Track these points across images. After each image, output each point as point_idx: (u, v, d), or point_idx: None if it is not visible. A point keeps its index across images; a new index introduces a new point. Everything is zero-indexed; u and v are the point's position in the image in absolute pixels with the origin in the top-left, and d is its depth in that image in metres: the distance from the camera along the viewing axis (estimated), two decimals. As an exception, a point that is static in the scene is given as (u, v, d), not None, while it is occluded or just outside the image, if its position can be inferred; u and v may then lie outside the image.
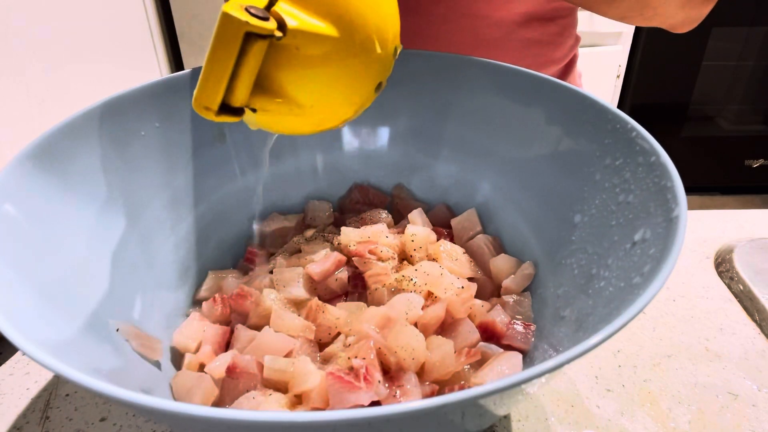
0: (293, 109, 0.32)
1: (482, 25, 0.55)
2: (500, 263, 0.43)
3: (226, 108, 0.29)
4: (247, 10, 0.27)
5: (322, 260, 0.42)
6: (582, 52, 0.70)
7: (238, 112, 0.30)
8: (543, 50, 0.60)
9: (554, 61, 0.63)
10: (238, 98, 0.30)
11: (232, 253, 0.48)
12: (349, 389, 0.31)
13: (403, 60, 0.46)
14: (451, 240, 0.46)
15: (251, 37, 0.27)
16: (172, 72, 1.38)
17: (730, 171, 1.76)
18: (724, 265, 0.51)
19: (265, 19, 0.27)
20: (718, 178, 1.78)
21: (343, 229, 0.45)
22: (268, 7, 0.28)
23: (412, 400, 0.30)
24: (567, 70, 0.65)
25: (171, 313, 0.42)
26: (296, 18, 0.29)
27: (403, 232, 0.45)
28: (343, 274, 0.42)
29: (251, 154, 0.48)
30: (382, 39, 0.32)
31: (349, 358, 0.34)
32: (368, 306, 0.39)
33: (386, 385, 0.33)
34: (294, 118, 0.33)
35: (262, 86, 0.31)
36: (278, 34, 0.28)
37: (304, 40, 0.29)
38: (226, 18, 0.27)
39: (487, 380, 0.34)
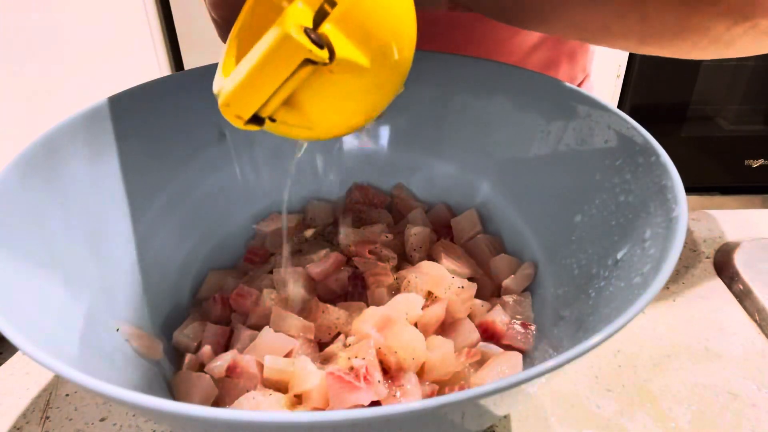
0: (306, 123, 0.32)
1: (498, 51, 0.55)
2: (500, 263, 0.43)
3: (253, 118, 0.30)
4: (306, 33, 0.27)
5: (322, 260, 0.42)
6: (582, 52, 0.70)
7: (261, 121, 0.30)
8: (561, 70, 0.59)
9: (573, 79, 0.62)
10: (268, 110, 0.30)
11: (232, 253, 0.48)
12: (349, 389, 0.31)
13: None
14: (451, 240, 0.46)
15: (306, 62, 0.27)
16: (172, 72, 1.38)
17: (730, 171, 1.76)
18: (724, 265, 0.51)
19: (320, 45, 0.27)
20: (718, 178, 1.78)
21: (343, 229, 0.45)
22: (316, 26, 0.28)
23: (412, 400, 0.30)
24: (581, 86, 0.65)
25: (171, 313, 0.42)
26: (341, 44, 0.28)
27: (403, 232, 0.45)
28: (343, 274, 0.42)
29: (251, 154, 0.48)
30: (405, 63, 0.32)
31: (349, 358, 0.34)
32: (368, 306, 0.39)
33: (386, 385, 0.33)
34: (305, 130, 0.33)
35: (288, 100, 0.31)
36: (327, 61, 0.28)
37: (341, 67, 0.29)
38: (288, 40, 0.27)
39: (487, 380, 0.34)
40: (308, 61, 0.27)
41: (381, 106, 0.34)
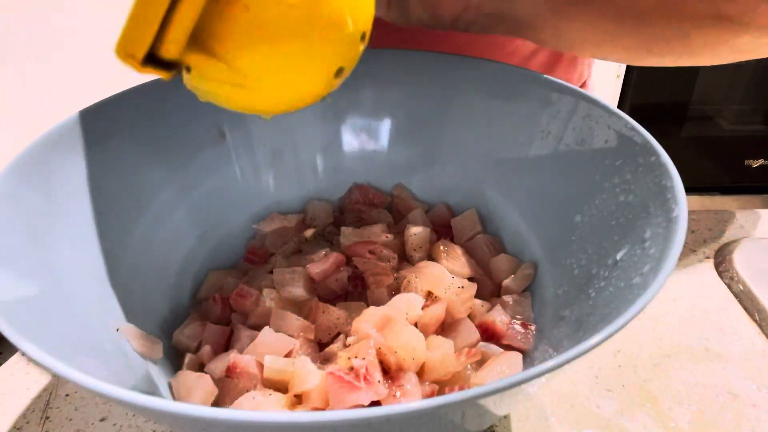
0: (235, 78, 0.28)
1: (498, 55, 0.55)
2: (500, 263, 0.43)
3: (154, 59, 0.26)
4: None
5: (322, 260, 0.42)
6: (582, 52, 0.70)
7: (169, 66, 0.26)
8: (560, 74, 0.59)
9: (575, 81, 0.62)
10: (169, 49, 0.25)
11: (232, 253, 0.48)
12: (349, 389, 0.31)
13: (404, 59, 0.46)
14: (451, 240, 0.46)
15: None
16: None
17: (730, 171, 1.76)
18: (724, 265, 0.51)
19: None
20: (718, 178, 1.78)
21: (343, 229, 0.45)
22: None
23: (412, 400, 0.30)
24: (584, 86, 0.65)
25: (171, 313, 0.42)
26: None
27: (403, 232, 0.45)
28: (343, 274, 0.42)
29: (251, 154, 0.48)
30: (354, 15, 0.28)
31: (349, 358, 0.34)
32: (368, 306, 0.39)
33: (386, 385, 0.33)
34: (239, 91, 0.29)
35: (200, 42, 0.27)
36: None
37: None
38: None
39: (487, 380, 0.34)
40: None
41: (327, 76, 0.30)
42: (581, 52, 0.43)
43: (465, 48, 0.54)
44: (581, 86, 0.64)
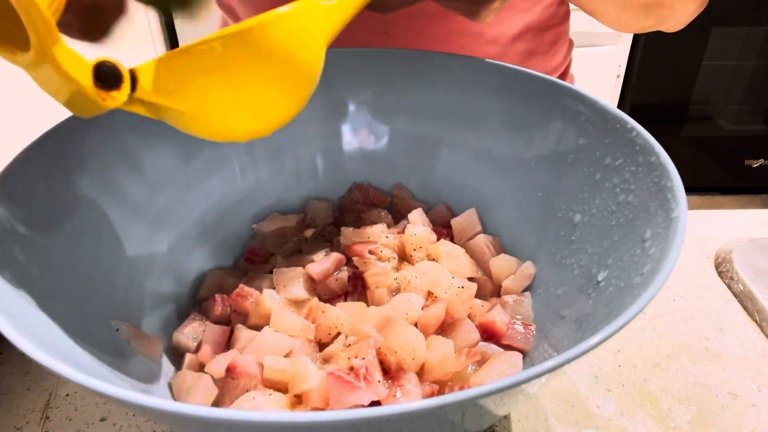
0: (180, 106, 0.29)
1: (479, 43, 0.55)
2: (500, 263, 0.43)
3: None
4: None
5: (322, 260, 0.42)
6: (582, 52, 0.70)
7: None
8: (541, 60, 0.60)
9: (553, 70, 0.63)
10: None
11: (232, 253, 0.48)
12: (349, 389, 0.31)
13: (404, 59, 0.47)
14: (451, 240, 0.46)
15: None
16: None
17: (730, 171, 1.76)
18: (724, 265, 0.51)
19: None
20: (718, 178, 1.78)
21: (343, 229, 0.45)
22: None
23: (412, 400, 0.30)
24: (563, 77, 0.66)
25: (171, 313, 0.42)
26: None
27: (403, 232, 0.45)
28: (343, 274, 0.42)
29: (251, 154, 0.48)
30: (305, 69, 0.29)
31: (349, 358, 0.34)
32: (368, 306, 0.39)
33: (386, 385, 0.33)
34: (181, 116, 0.30)
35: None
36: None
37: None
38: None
39: (487, 380, 0.34)
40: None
41: (271, 116, 0.30)
42: None
43: (446, 37, 0.54)
44: (561, 74, 0.65)
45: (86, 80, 0.26)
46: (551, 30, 0.60)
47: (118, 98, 0.27)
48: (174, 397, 0.35)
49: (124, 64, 0.27)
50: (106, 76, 0.26)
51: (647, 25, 0.49)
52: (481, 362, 0.36)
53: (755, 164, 1.74)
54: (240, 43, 0.27)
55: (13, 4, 0.22)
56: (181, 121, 0.30)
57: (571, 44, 0.65)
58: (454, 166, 0.48)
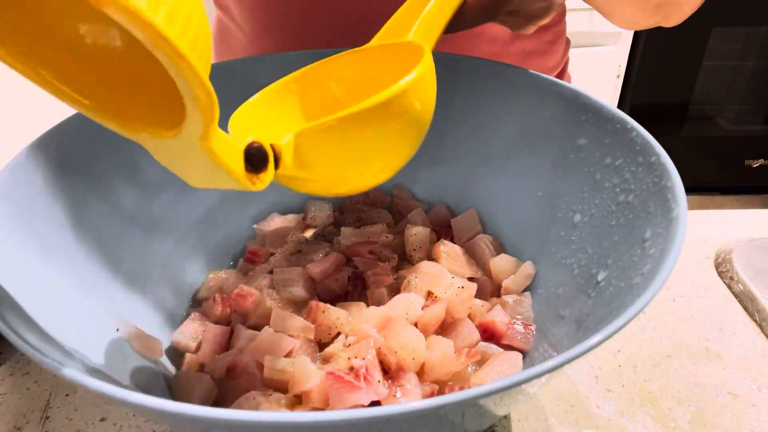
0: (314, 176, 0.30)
1: (479, 41, 0.55)
2: (500, 263, 0.43)
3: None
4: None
5: (322, 260, 0.42)
6: (582, 52, 0.70)
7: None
8: (539, 60, 0.61)
9: (551, 69, 0.63)
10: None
11: (232, 253, 0.48)
12: (349, 389, 0.31)
13: (403, 60, 0.46)
14: (451, 240, 0.46)
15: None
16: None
17: (730, 171, 1.76)
18: (724, 265, 0.51)
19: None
20: (718, 178, 1.78)
21: (343, 229, 0.45)
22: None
23: (412, 400, 0.30)
24: (561, 76, 0.66)
25: (171, 313, 0.42)
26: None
27: (403, 232, 0.45)
28: (343, 274, 0.42)
29: (251, 154, 0.48)
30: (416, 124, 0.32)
31: (349, 358, 0.34)
32: (368, 306, 0.39)
33: (386, 385, 0.33)
34: (316, 186, 0.31)
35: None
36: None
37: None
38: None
39: (487, 380, 0.34)
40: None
41: (393, 165, 0.33)
42: None
43: (442, 40, 0.54)
44: (559, 73, 0.65)
45: (239, 168, 0.23)
46: (550, 29, 0.60)
47: (266, 180, 0.25)
48: (174, 397, 0.35)
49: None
50: (255, 157, 0.24)
51: (655, 22, 0.51)
52: (481, 362, 0.36)
53: (755, 164, 1.74)
54: (379, 112, 0.28)
55: (169, 72, 0.18)
56: (309, 186, 0.30)
57: (568, 43, 0.65)
58: (454, 166, 0.48)
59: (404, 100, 0.29)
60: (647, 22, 0.52)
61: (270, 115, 0.32)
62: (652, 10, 0.49)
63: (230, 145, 0.23)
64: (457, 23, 0.38)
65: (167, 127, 0.21)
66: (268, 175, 0.25)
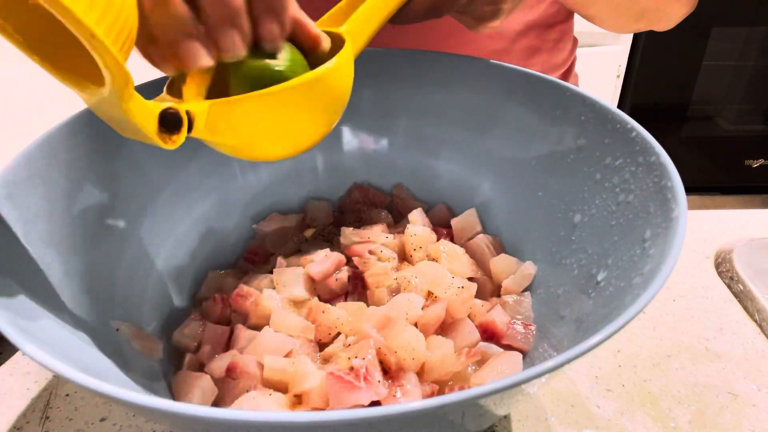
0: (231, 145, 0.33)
1: (485, 37, 0.55)
2: (500, 263, 0.43)
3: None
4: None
5: (322, 260, 0.42)
6: (582, 52, 0.70)
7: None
8: (545, 57, 0.60)
9: (556, 67, 0.63)
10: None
11: (232, 253, 0.48)
12: (349, 389, 0.31)
13: (404, 60, 0.46)
14: (451, 240, 0.46)
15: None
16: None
17: (730, 171, 1.76)
18: (724, 265, 0.51)
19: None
20: (718, 178, 1.78)
21: (343, 229, 0.45)
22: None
23: (412, 400, 0.30)
24: (567, 75, 0.66)
25: (171, 313, 0.42)
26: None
27: (403, 232, 0.45)
28: (343, 274, 0.42)
29: (251, 154, 0.48)
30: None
31: (349, 358, 0.34)
32: (368, 306, 0.39)
33: (386, 385, 0.33)
34: (239, 150, 0.34)
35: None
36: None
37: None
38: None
39: (487, 380, 0.34)
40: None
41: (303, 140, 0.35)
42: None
43: (449, 34, 0.54)
44: (566, 72, 0.65)
45: (152, 128, 0.27)
46: (556, 27, 0.60)
47: (177, 141, 0.29)
48: (174, 397, 0.35)
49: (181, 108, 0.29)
50: (169, 121, 0.28)
51: (640, 27, 0.54)
52: (481, 362, 0.36)
53: (755, 164, 1.73)
54: (293, 94, 0.32)
55: (87, 48, 0.23)
56: (224, 149, 0.33)
57: (575, 42, 0.65)
58: (454, 166, 0.48)
59: (308, 90, 0.32)
60: (633, 28, 0.54)
61: (206, 84, 0.35)
62: (634, 17, 0.50)
63: (146, 108, 0.27)
64: (404, 17, 0.39)
65: (98, 84, 0.25)
66: (180, 137, 0.29)
